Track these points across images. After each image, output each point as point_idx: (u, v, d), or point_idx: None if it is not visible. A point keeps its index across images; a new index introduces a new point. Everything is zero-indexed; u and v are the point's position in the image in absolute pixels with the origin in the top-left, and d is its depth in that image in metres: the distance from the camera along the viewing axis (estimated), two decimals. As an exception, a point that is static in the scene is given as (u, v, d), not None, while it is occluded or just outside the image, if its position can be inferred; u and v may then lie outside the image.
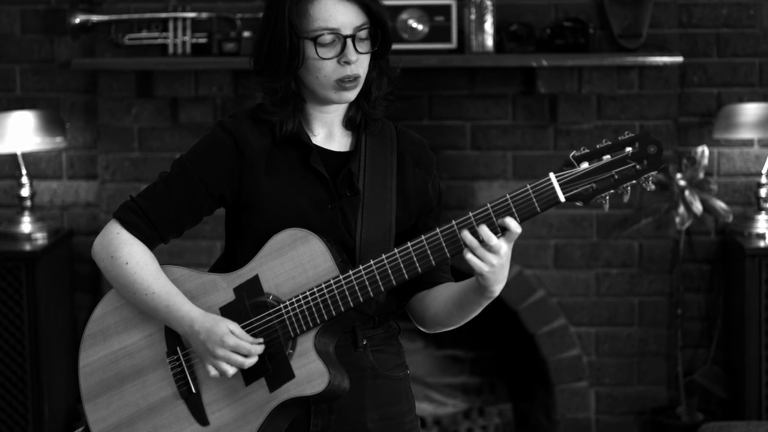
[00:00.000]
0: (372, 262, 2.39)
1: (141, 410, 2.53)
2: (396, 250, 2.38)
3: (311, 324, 2.42)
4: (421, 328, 2.61)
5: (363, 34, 2.46)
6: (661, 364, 4.72)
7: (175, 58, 4.54)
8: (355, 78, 2.46)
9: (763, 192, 4.62)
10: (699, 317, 4.78)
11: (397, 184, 2.53)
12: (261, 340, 2.43)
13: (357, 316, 2.48)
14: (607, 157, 2.29)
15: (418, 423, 2.63)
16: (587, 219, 4.66)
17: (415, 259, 2.37)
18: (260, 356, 2.44)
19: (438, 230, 2.36)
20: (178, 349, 2.52)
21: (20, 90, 4.76)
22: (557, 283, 4.69)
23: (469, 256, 2.33)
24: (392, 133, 2.58)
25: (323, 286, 2.41)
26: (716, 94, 4.71)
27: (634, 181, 2.29)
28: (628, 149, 2.29)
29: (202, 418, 2.50)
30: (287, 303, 2.43)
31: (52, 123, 4.61)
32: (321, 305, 2.41)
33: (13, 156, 4.67)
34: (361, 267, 2.39)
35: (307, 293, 2.42)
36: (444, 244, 2.35)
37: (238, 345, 2.41)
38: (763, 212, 4.61)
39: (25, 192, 4.63)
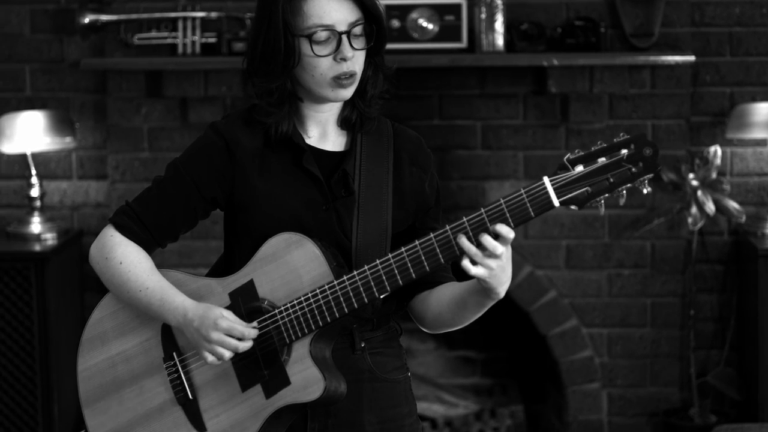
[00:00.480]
0: (366, 267, 2.37)
1: (139, 416, 2.53)
2: (390, 256, 2.36)
3: (306, 330, 2.40)
4: (423, 329, 2.58)
5: (358, 30, 2.44)
6: (673, 365, 4.69)
7: (184, 57, 4.53)
8: (352, 75, 2.44)
9: (776, 192, 4.60)
10: (712, 318, 4.75)
11: (393, 184, 2.51)
12: (255, 324, 2.42)
13: (354, 320, 2.46)
14: (602, 160, 2.26)
15: (419, 426, 2.60)
16: (599, 219, 4.63)
17: (409, 264, 2.35)
18: (256, 362, 2.43)
19: (432, 235, 2.33)
20: (174, 354, 2.51)
21: (30, 90, 4.75)
22: (569, 283, 4.67)
23: (466, 263, 2.31)
24: (389, 131, 2.56)
25: (317, 291, 2.39)
26: (729, 94, 4.68)
27: (629, 185, 2.26)
28: (624, 151, 2.25)
29: (199, 424, 2.49)
30: (282, 308, 2.42)
31: (61, 123, 4.61)
32: (316, 311, 2.39)
33: (23, 156, 4.66)
34: (355, 272, 2.37)
35: (302, 299, 2.40)
36: (438, 250, 2.33)
37: (231, 327, 2.40)
38: (777, 212, 4.58)
39: (34, 192, 4.62)
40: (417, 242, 2.34)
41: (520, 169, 4.61)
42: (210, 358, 2.42)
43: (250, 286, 2.44)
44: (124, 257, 2.50)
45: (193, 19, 4.54)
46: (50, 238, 4.58)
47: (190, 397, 2.49)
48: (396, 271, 2.35)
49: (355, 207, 2.47)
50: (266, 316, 2.43)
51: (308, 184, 2.47)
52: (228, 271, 2.51)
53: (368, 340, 2.51)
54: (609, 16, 4.54)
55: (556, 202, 2.28)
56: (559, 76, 4.46)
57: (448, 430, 4.91)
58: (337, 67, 2.42)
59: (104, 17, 4.56)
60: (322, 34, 2.41)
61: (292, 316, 2.41)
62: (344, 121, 2.53)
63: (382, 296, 2.39)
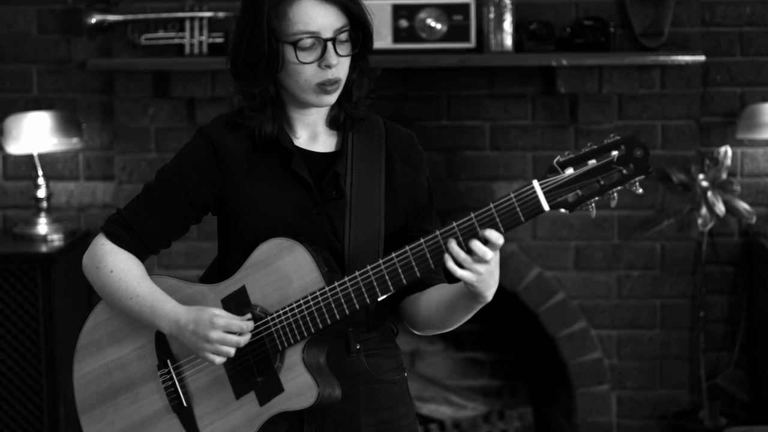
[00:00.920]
0: (357, 273, 2.35)
1: (134, 423, 2.53)
2: (381, 261, 2.34)
3: (298, 337, 2.39)
4: (413, 330, 2.57)
5: (343, 36, 2.42)
6: (683, 367, 4.67)
7: (191, 58, 4.51)
8: (336, 81, 2.42)
9: (787, 193, 4.57)
10: (722, 320, 4.73)
11: (386, 183, 2.49)
12: (249, 315, 2.41)
13: (349, 323, 2.45)
14: (592, 162, 2.23)
15: (416, 427, 2.59)
16: (608, 220, 4.61)
17: (400, 270, 2.33)
18: (250, 369, 2.42)
19: (422, 240, 2.32)
20: (168, 362, 2.50)
21: (37, 90, 4.74)
22: (578, 285, 4.65)
23: (455, 267, 2.29)
24: (380, 129, 2.53)
25: (309, 298, 2.38)
26: (739, 94, 4.65)
27: (620, 187, 2.23)
28: (614, 153, 2.22)
29: None
30: (274, 315, 2.41)
31: (68, 124, 4.59)
32: (308, 318, 2.38)
33: (30, 157, 4.65)
34: (346, 279, 2.36)
35: (294, 305, 2.39)
36: (428, 255, 2.32)
37: (229, 324, 2.38)
38: (788, 213, 4.56)
39: (41, 193, 4.61)
40: (407, 247, 2.33)
41: (528, 169, 4.59)
42: (216, 359, 2.40)
43: (242, 292, 2.43)
44: (115, 265, 2.49)
45: (201, 19, 4.53)
46: (57, 239, 4.57)
47: (185, 404, 2.49)
48: (387, 277, 2.34)
49: (347, 210, 2.45)
50: (259, 323, 2.42)
51: (298, 187, 2.46)
52: (221, 275, 2.50)
53: (363, 341, 2.50)
54: (618, 16, 4.52)
55: (546, 207, 2.26)
56: (568, 76, 4.44)
57: (456, 432, 4.91)
58: (322, 73, 2.41)
59: (111, 17, 4.54)
60: (308, 41, 2.39)
61: (285, 323, 2.39)
62: (333, 121, 2.51)
63: (374, 302, 2.38)
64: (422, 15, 4.46)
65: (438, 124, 4.60)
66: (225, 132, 2.48)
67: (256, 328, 2.41)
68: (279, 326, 2.40)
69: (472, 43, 4.46)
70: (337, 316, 2.37)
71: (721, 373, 4.68)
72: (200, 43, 4.52)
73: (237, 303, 2.43)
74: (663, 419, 4.68)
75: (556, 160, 2.25)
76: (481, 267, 2.29)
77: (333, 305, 2.36)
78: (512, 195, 2.27)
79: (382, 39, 4.41)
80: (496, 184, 4.59)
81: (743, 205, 4.44)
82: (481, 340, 5.04)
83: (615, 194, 2.24)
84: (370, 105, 2.51)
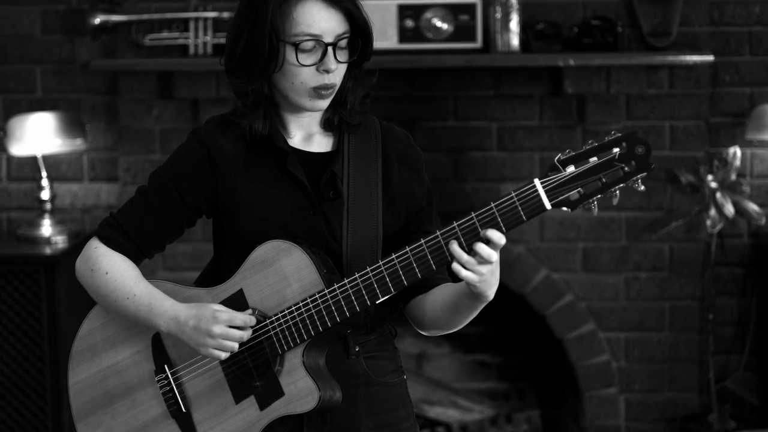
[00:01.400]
0: (357, 275, 2.33)
1: (132, 429, 2.51)
2: (381, 263, 2.32)
3: (298, 340, 2.37)
4: (421, 332, 2.55)
5: (343, 43, 2.41)
6: (692, 370, 4.64)
7: (196, 58, 4.49)
8: (331, 87, 2.41)
9: (797, 194, 4.54)
10: (731, 322, 4.70)
11: (383, 184, 2.47)
12: (250, 310, 2.39)
13: (348, 325, 2.43)
14: (593, 160, 2.22)
15: (416, 429, 2.57)
16: (616, 221, 4.59)
17: (400, 272, 2.32)
18: (249, 373, 2.40)
19: (423, 241, 2.30)
20: (165, 367, 2.48)
21: (41, 91, 4.72)
22: (586, 287, 4.62)
23: (459, 269, 2.28)
24: (377, 129, 2.51)
25: (309, 300, 2.36)
26: (749, 94, 4.62)
27: (622, 185, 2.21)
28: (616, 150, 2.21)
29: None
30: (273, 318, 2.38)
31: (72, 125, 4.57)
32: (307, 320, 2.36)
33: (34, 158, 4.63)
34: (346, 281, 2.34)
35: (293, 308, 2.37)
36: (429, 256, 2.30)
37: (232, 318, 2.36)
38: (798, 215, 4.52)
39: (45, 195, 4.59)
40: (408, 248, 2.31)
41: (536, 170, 4.57)
42: (220, 354, 2.38)
43: (239, 295, 2.41)
44: (110, 267, 2.47)
45: (205, 19, 4.51)
46: (60, 241, 4.55)
47: (183, 409, 2.46)
48: (387, 279, 2.32)
49: (344, 210, 2.43)
50: (258, 326, 2.39)
51: (293, 188, 2.43)
52: (217, 278, 2.48)
53: (362, 344, 2.48)
54: (626, 16, 4.50)
55: (547, 205, 2.24)
56: (576, 77, 4.42)
57: (463, 436, 4.89)
58: (319, 77, 2.39)
59: (115, 18, 4.53)
60: (309, 44, 2.37)
61: (284, 326, 2.37)
62: (327, 123, 2.50)
63: (374, 304, 2.36)
64: (428, 15, 4.44)
65: (444, 124, 4.58)
66: (218, 133, 2.46)
67: (254, 331, 2.39)
68: (278, 329, 2.37)
69: (478, 43, 4.44)
70: (338, 319, 2.35)
71: (730, 375, 4.65)
72: (204, 43, 4.51)
73: (235, 306, 2.40)
74: (672, 422, 4.65)
75: (557, 158, 2.24)
76: (484, 268, 2.28)
77: (333, 307, 2.34)
78: (513, 194, 2.25)
79: (388, 39, 4.39)
80: (503, 185, 4.58)
81: (752, 207, 4.42)
82: (489, 342, 5.03)
83: (617, 192, 2.23)
84: (366, 111, 2.49)
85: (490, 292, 2.34)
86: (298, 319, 2.36)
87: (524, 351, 5.06)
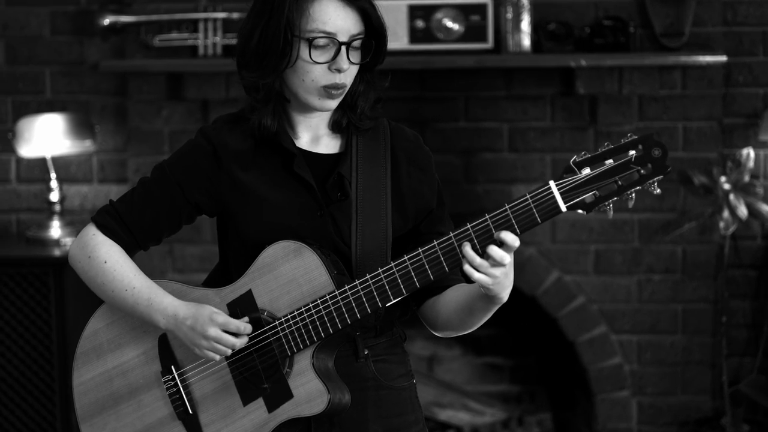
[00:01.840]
0: (368, 276, 2.31)
1: (137, 431, 2.48)
2: (392, 264, 2.30)
3: (308, 341, 2.35)
4: (435, 333, 2.53)
5: (357, 43, 2.39)
6: (705, 373, 4.61)
7: (205, 59, 4.48)
8: (342, 87, 2.39)
9: (811, 195, 4.51)
10: (745, 325, 4.67)
11: (392, 185, 2.45)
12: (247, 318, 2.37)
13: (357, 327, 2.41)
14: (609, 162, 2.20)
15: None
16: (629, 223, 4.56)
17: (412, 273, 2.30)
18: (257, 375, 2.39)
19: (435, 243, 2.28)
20: (172, 368, 2.46)
21: (50, 92, 4.71)
22: (598, 289, 4.60)
23: (471, 271, 2.26)
24: (385, 130, 2.49)
25: (319, 302, 2.34)
26: (762, 94, 4.59)
27: (638, 187, 2.20)
28: (632, 153, 2.19)
29: None
30: (282, 320, 2.36)
31: (81, 126, 4.56)
32: (317, 322, 2.34)
33: (43, 160, 4.62)
34: (357, 282, 2.32)
35: (303, 309, 2.35)
36: (442, 258, 2.28)
37: (227, 322, 2.35)
38: (812, 216, 4.49)
39: (54, 196, 4.58)
40: (420, 250, 2.29)
41: (547, 172, 4.55)
42: (213, 356, 2.37)
43: (248, 296, 2.39)
44: (109, 256, 2.45)
45: (214, 20, 4.49)
46: (70, 243, 4.53)
47: (190, 411, 2.44)
48: (399, 281, 2.30)
49: (353, 211, 2.41)
50: (266, 327, 2.38)
51: (301, 189, 2.42)
52: (224, 280, 2.46)
53: (372, 347, 2.46)
54: (638, 16, 4.47)
55: (563, 207, 2.22)
56: (588, 77, 4.40)
57: (474, 439, 4.88)
58: (330, 76, 2.37)
59: (124, 18, 4.51)
60: (322, 41, 2.36)
61: (293, 328, 2.35)
62: (335, 125, 2.48)
63: (385, 306, 2.34)
64: (439, 15, 4.42)
65: (455, 125, 4.56)
66: (226, 131, 2.45)
67: (263, 332, 2.37)
68: (287, 331, 2.36)
69: (489, 44, 4.41)
70: (348, 321, 2.33)
71: (743, 379, 4.62)
72: (214, 44, 4.49)
73: (243, 307, 2.39)
74: (684, 426, 4.62)
75: (572, 159, 2.22)
76: (497, 270, 2.26)
77: (344, 309, 2.32)
78: (528, 196, 2.24)
79: (398, 40, 4.37)
80: (514, 186, 4.55)
81: (766, 208, 4.40)
82: (500, 345, 5.01)
83: (633, 195, 2.21)
84: (376, 117, 2.47)
85: (504, 294, 2.32)
86: (308, 320, 2.34)
87: (536, 353, 5.04)
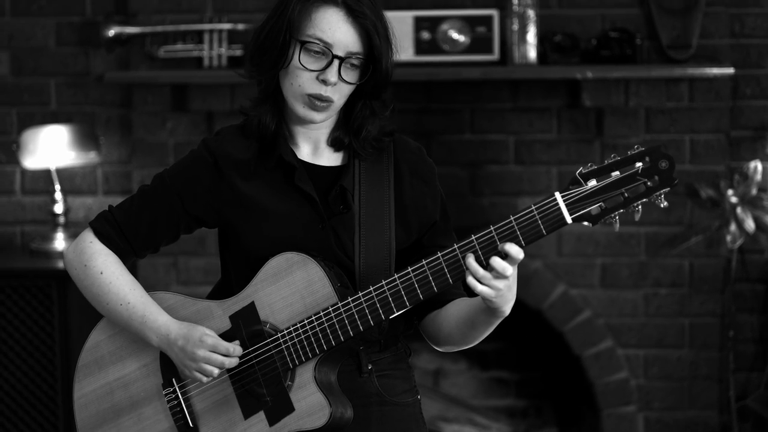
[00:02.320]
0: (372, 288, 2.29)
1: None
2: (396, 276, 2.28)
3: (310, 354, 2.33)
4: (436, 348, 2.51)
5: (354, 61, 2.37)
6: (712, 388, 4.59)
7: (210, 71, 4.46)
8: (327, 100, 2.36)
9: (820, 209, 4.48)
10: (752, 339, 4.64)
11: (395, 198, 2.43)
12: (238, 342, 2.36)
13: (361, 341, 2.39)
14: (616, 174, 2.19)
15: None
16: (635, 237, 4.54)
17: (416, 285, 2.28)
18: (259, 388, 2.37)
19: (440, 254, 2.26)
20: (173, 380, 2.44)
21: (55, 104, 4.70)
22: (604, 303, 4.57)
23: (474, 283, 2.24)
24: (389, 142, 2.47)
25: (321, 314, 2.32)
26: (770, 107, 4.58)
27: (645, 199, 2.18)
28: (638, 165, 2.18)
29: None
30: (285, 332, 2.35)
31: (85, 137, 4.55)
32: (320, 334, 2.32)
33: (47, 171, 4.60)
34: (360, 294, 2.30)
35: (305, 322, 2.33)
36: (446, 270, 2.26)
37: (216, 344, 2.34)
38: (820, 230, 4.47)
39: (58, 208, 4.57)
40: (424, 261, 2.27)
41: (553, 184, 4.53)
42: (200, 377, 2.37)
43: (251, 308, 2.37)
44: (105, 267, 2.44)
45: (220, 31, 4.48)
46: (63, 257, 4.51)
47: (191, 425, 2.42)
48: (403, 293, 2.28)
49: (355, 224, 2.39)
50: (268, 339, 2.36)
51: (303, 202, 2.40)
52: (226, 293, 2.44)
53: (376, 362, 2.44)
54: (645, 28, 4.46)
55: (568, 219, 2.21)
56: (594, 89, 4.38)
57: (479, 453, 4.85)
58: (316, 86, 2.35)
59: (129, 30, 4.50)
60: (315, 47, 2.34)
61: (295, 340, 2.34)
62: (336, 141, 2.45)
63: (388, 318, 2.32)
64: (444, 27, 4.40)
65: (461, 138, 4.54)
66: (227, 142, 2.44)
67: (265, 344, 2.35)
68: (290, 343, 2.34)
69: (495, 56, 4.40)
70: (351, 333, 2.31)
71: (751, 394, 4.59)
72: (219, 55, 4.48)
73: (245, 319, 2.37)
74: (691, 441, 4.61)
75: (578, 171, 2.21)
76: (500, 283, 2.24)
77: (346, 321, 2.30)
78: (533, 207, 2.22)
79: (404, 51, 4.35)
80: (520, 199, 4.53)
81: (774, 222, 4.38)
82: (506, 359, 4.99)
83: (639, 207, 2.20)
84: (381, 149, 2.44)
85: (507, 308, 2.30)
86: (310, 332, 2.32)
87: (542, 368, 5.02)
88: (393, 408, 2.45)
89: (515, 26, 4.36)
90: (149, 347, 2.46)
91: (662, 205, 2.19)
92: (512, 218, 2.23)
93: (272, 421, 2.35)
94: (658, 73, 4.36)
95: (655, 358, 4.59)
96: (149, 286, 2.53)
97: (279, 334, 2.34)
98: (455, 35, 4.40)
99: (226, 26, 4.48)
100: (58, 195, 4.57)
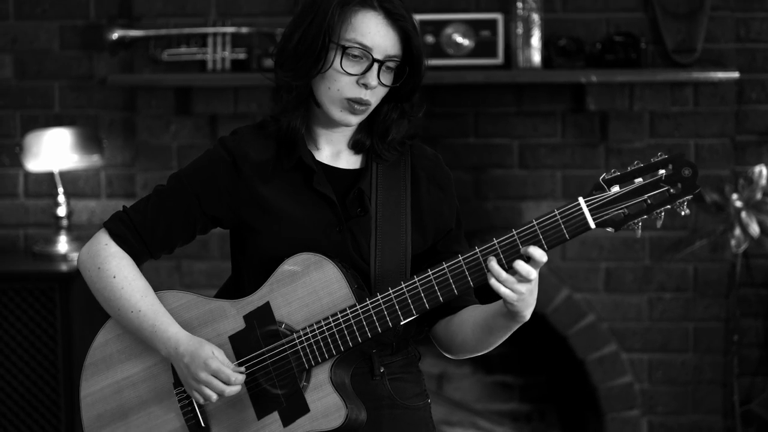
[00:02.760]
0: (391, 290, 2.28)
1: None
2: (416, 278, 2.27)
3: (327, 355, 2.32)
4: (447, 355, 2.50)
5: (391, 65, 2.37)
6: (716, 392, 4.57)
7: (214, 74, 4.46)
8: (366, 104, 2.36)
9: (824, 213, 4.46)
10: (757, 344, 4.63)
11: (411, 203, 2.43)
12: (243, 369, 2.35)
13: (374, 344, 2.38)
14: (639, 180, 2.20)
15: None
16: (639, 241, 4.53)
17: (436, 287, 2.27)
18: (273, 388, 2.35)
19: (461, 257, 2.25)
20: None
21: (59, 107, 4.70)
22: (608, 307, 4.56)
23: (497, 285, 2.23)
24: (406, 148, 2.47)
25: (339, 315, 2.31)
26: (775, 112, 4.57)
27: (668, 206, 2.19)
28: (662, 172, 2.19)
29: None
30: (301, 332, 2.33)
31: (89, 141, 4.54)
32: (337, 335, 2.31)
33: (50, 174, 4.60)
34: (379, 296, 2.29)
35: (322, 322, 2.32)
36: (467, 273, 2.26)
37: (219, 369, 2.32)
38: (825, 235, 4.46)
39: (61, 211, 4.56)
40: (444, 264, 2.27)
41: (558, 189, 4.52)
42: (198, 397, 2.36)
43: (266, 308, 2.36)
44: (119, 271, 2.42)
45: (224, 34, 4.47)
46: (76, 258, 4.50)
47: (203, 425, 2.41)
48: (422, 294, 2.27)
49: (372, 228, 2.39)
50: (284, 340, 2.34)
51: (320, 203, 2.39)
52: (237, 293, 2.42)
53: (388, 365, 2.43)
54: (650, 32, 4.45)
55: (592, 224, 2.21)
56: (598, 94, 4.37)
57: (483, 458, 4.84)
58: (356, 90, 2.35)
59: (133, 33, 4.50)
60: (356, 51, 2.34)
61: (312, 341, 2.32)
62: (356, 144, 2.45)
63: (406, 321, 2.31)
64: (449, 30, 4.40)
65: (465, 142, 4.53)
66: (245, 142, 2.43)
67: (280, 345, 2.34)
68: (306, 344, 2.33)
69: (499, 60, 4.39)
70: (369, 334, 2.30)
71: (755, 398, 4.59)
72: (223, 59, 4.47)
73: (260, 319, 2.36)
74: (695, 446, 4.60)
75: (602, 177, 2.22)
76: (523, 286, 2.25)
77: (364, 323, 2.30)
78: (557, 212, 2.22)
79: (408, 55, 4.34)
80: (524, 203, 4.52)
81: (778, 226, 4.37)
82: (510, 363, 4.98)
83: (662, 214, 2.20)
84: (402, 153, 2.44)
85: (527, 313, 2.30)
86: (327, 333, 2.31)
87: (546, 372, 5.00)
88: (404, 411, 2.44)
89: (520, 30, 4.35)
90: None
91: (683, 213, 2.20)
92: (535, 222, 2.23)
93: (286, 421, 2.34)
94: (663, 77, 4.35)
95: (659, 363, 4.58)
96: (153, 289, 2.51)
97: (294, 335, 2.33)
98: (459, 39, 4.40)
99: (230, 29, 4.47)
100: (61, 198, 4.56)
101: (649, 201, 2.19)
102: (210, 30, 4.47)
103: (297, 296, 2.33)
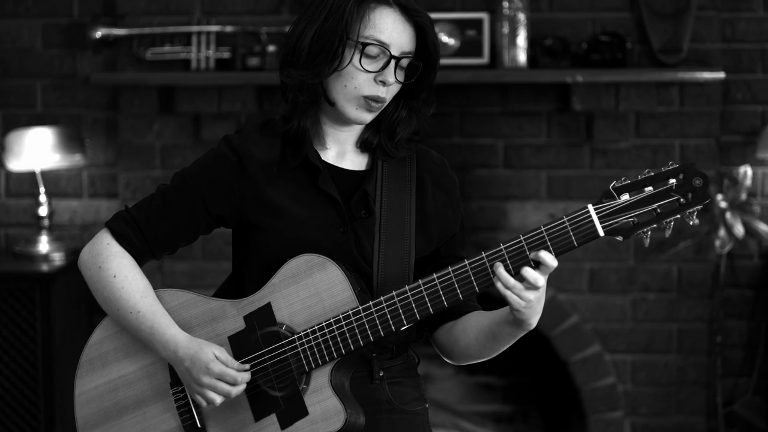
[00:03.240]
0: (394, 293, 2.26)
1: None
2: (420, 282, 2.25)
3: (327, 358, 2.29)
4: (449, 361, 2.48)
5: (405, 62, 2.35)
6: (700, 393, 4.58)
7: (198, 73, 4.43)
8: (382, 101, 2.34)
9: (808, 214, 4.48)
10: (740, 345, 4.64)
11: (416, 206, 2.41)
12: (247, 367, 2.32)
13: (375, 348, 2.36)
14: (649, 189, 2.18)
15: None
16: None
17: (441, 292, 2.25)
18: (272, 390, 2.33)
19: (467, 262, 2.23)
20: None
21: (41, 106, 4.66)
22: (592, 308, 4.56)
23: (505, 291, 2.21)
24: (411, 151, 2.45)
25: (341, 317, 2.28)
26: (761, 112, 4.57)
27: (678, 216, 2.17)
28: (672, 181, 2.17)
29: None
30: (302, 334, 2.31)
31: (71, 140, 4.51)
32: (338, 338, 2.28)
33: (32, 174, 4.56)
34: (382, 299, 2.27)
35: (324, 325, 2.29)
36: (473, 278, 2.23)
37: (223, 372, 2.30)
38: (809, 236, 4.46)
39: (43, 211, 4.52)
40: (450, 269, 2.24)
41: (542, 189, 4.51)
42: (201, 401, 2.33)
43: (267, 309, 2.33)
44: (119, 271, 2.39)
45: (208, 33, 4.45)
46: (58, 258, 4.47)
47: (199, 425, 2.38)
48: (427, 299, 2.25)
49: (376, 230, 2.36)
50: (284, 341, 2.32)
51: (325, 204, 2.37)
52: (237, 293, 2.40)
53: (387, 369, 2.41)
54: (636, 32, 4.45)
55: (601, 232, 2.19)
56: (584, 94, 4.37)
57: (466, 459, 4.83)
58: (374, 87, 2.33)
59: (117, 32, 4.47)
60: (374, 49, 2.32)
61: (312, 343, 2.30)
62: (364, 144, 2.43)
63: (409, 325, 2.28)
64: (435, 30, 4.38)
65: (450, 141, 4.52)
66: (251, 141, 2.40)
67: (280, 346, 2.32)
68: (306, 346, 2.30)
69: (485, 59, 4.38)
70: (371, 338, 2.28)
71: (738, 399, 4.60)
72: (207, 58, 4.44)
73: (261, 320, 2.33)
74: (679, 446, 4.60)
75: (612, 185, 2.20)
76: (531, 294, 2.21)
77: (367, 326, 2.27)
78: (565, 219, 2.20)
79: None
80: (509, 203, 4.51)
81: (763, 227, 4.37)
82: (493, 364, 4.93)
83: (671, 224, 2.18)
84: (409, 150, 2.42)
85: (534, 320, 2.27)
86: (328, 336, 2.29)
87: (529, 373, 5.00)
88: (402, 416, 2.42)
89: (505, 30, 4.34)
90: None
91: (692, 223, 2.19)
92: (543, 228, 2.21)
93: (284, 424, 2.31)
94: (649, 77, 4.35)
95: (642, 364, 4.58)
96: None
97: (295, 336, 2.31)
98: (445, 38, 4.39)
99: (215, 28, 4.45)
100: (42, 198, 4.52)
101: (658, 210, 2.17)
102: (194, 29, 4.45)
103: (299, 298, 2.31)
